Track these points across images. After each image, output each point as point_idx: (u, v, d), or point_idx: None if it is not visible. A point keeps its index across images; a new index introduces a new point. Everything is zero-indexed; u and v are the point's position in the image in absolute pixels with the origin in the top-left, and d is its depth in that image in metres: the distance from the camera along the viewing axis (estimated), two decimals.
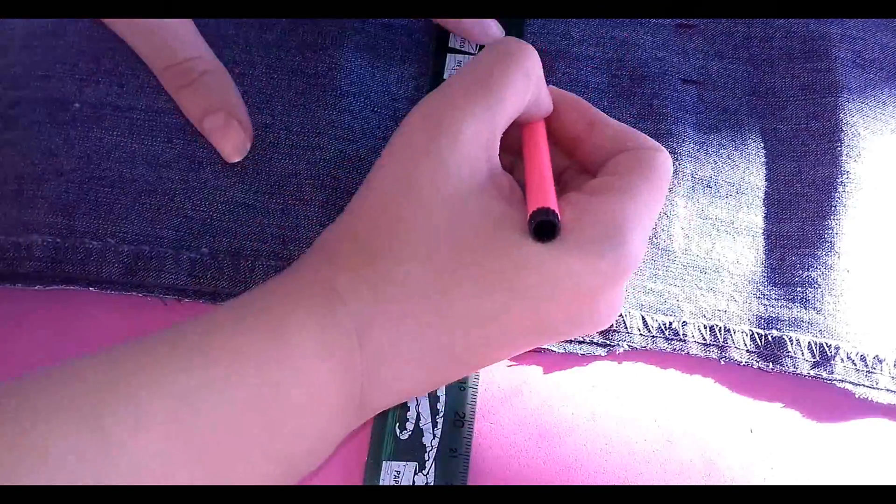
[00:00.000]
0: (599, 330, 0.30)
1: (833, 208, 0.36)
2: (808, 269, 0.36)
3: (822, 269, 0.36)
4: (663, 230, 0.36)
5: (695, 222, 0.37)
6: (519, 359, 0.35)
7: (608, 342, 0.35)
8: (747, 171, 0.38)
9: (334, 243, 0.28)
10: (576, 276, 0.26)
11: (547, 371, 0.35)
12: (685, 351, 0.35)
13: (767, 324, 0.35)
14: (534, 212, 0.26)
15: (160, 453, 0.22)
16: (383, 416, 0.33)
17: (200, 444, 0.22)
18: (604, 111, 0.38)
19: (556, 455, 0.34)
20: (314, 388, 0.25)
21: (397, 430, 0.33)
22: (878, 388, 0.34)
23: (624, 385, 0.35)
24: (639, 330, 0.35)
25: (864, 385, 0.34)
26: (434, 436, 0.33)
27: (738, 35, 0.40)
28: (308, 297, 0.26)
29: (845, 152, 0.37)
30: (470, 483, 0.33)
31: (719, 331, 0.35)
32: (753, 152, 0.38)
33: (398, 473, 0.32)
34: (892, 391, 0.34)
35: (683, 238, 0.37)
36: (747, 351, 0.35)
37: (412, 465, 0.32)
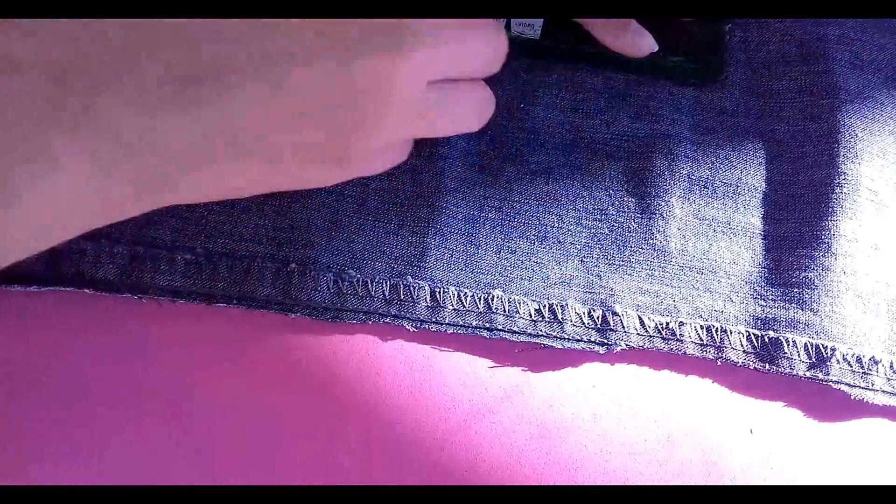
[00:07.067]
0: (362, 171, 0.29)
1: (830, 209, 0.36)
2: (804, 270, 0.36)
3: (819, 271, 0.36)
4: (659, 231, 0.36)
5: (691, 223, 0.37)
6: (518, 358, 0.35)
7: (605, 341, 0.35)
8: (744, 172, 0.38)
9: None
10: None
11: (547, 370, 0.35)
12: (682, 351, 0.35)
13: (764, 325, 0.35)
14: None
15: None
16: None
17: None
18: (600, 111, 0.38)
19: (556, 455, 0.34)
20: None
21: None
22: (873, 390, 0.34)
23: (624, 385, 0.35)
24: (636, 329, 0.35)
25: (859, 386, 0.34)
26: None
27: (736, 37, 0.40)
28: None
29: (843, 153, 0.37)
30: (470, 483, 0.33)
31: (716, 331, 0.35)
32: (750, 153, 0.38)
33: None
34: (887, 392, 0.34)
35: (680, 239, 0.37)
36: (744, 352, 0.35)
37: None
